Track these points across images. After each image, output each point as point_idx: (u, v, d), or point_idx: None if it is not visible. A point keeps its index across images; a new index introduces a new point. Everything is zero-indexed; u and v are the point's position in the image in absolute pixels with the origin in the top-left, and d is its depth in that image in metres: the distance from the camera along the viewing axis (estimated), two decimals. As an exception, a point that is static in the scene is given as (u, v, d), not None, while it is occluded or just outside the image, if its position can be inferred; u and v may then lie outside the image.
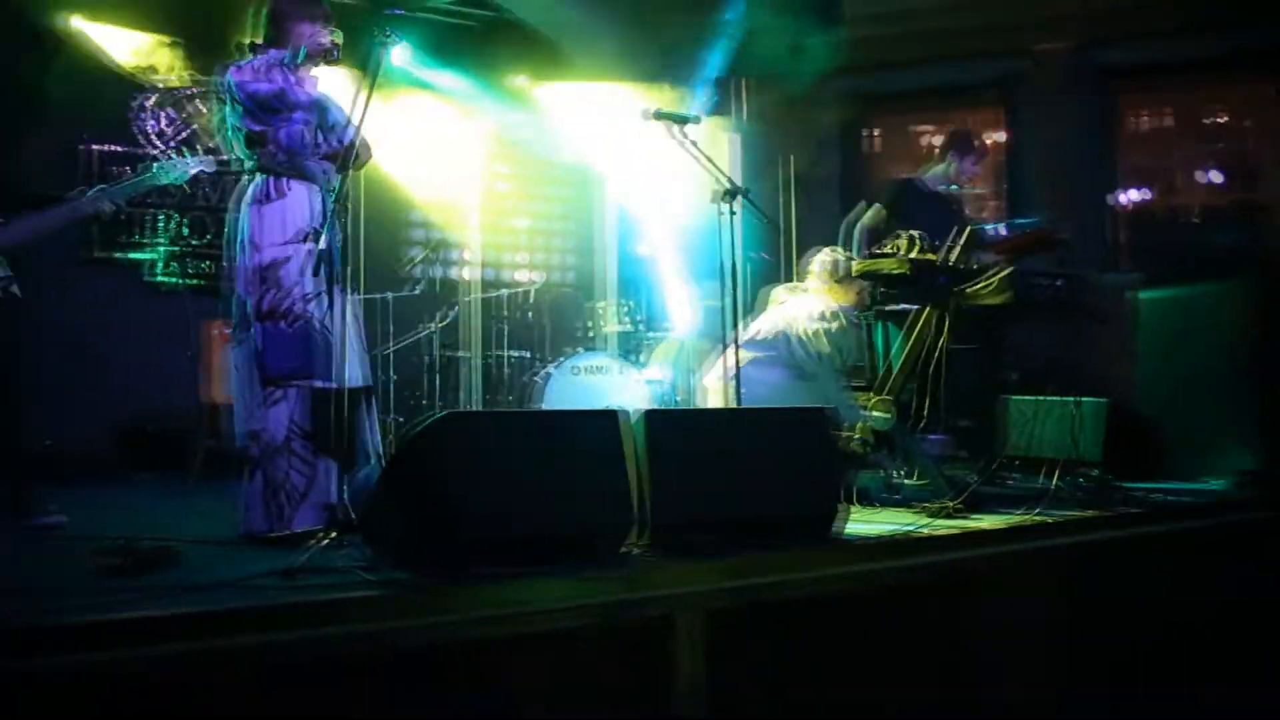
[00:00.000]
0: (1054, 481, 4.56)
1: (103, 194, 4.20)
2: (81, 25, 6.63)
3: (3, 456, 4.07)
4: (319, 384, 3.68)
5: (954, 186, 5.90)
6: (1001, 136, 8.42)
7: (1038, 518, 4.09)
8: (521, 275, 8.34)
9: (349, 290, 3.66)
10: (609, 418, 3.15)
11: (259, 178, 3.81)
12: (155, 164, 4.34)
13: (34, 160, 4.35)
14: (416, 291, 7.26)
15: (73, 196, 4.20)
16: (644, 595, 2.93)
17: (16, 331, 4.15)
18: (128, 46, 6.86)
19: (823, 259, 5.34)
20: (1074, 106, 7.88)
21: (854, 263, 5.03)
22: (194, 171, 4.40)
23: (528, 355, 7.35)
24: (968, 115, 8.61)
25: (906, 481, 5.12)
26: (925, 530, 3.79)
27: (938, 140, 6.81)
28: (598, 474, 3.03)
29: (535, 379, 6.90)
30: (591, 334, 7.31)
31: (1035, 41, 7.88)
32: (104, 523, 4.13)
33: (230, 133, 3.84)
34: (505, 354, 7.15)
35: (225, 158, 4.01)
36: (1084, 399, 4.92)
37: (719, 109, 7.74)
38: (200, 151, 4.44)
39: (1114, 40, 7.77)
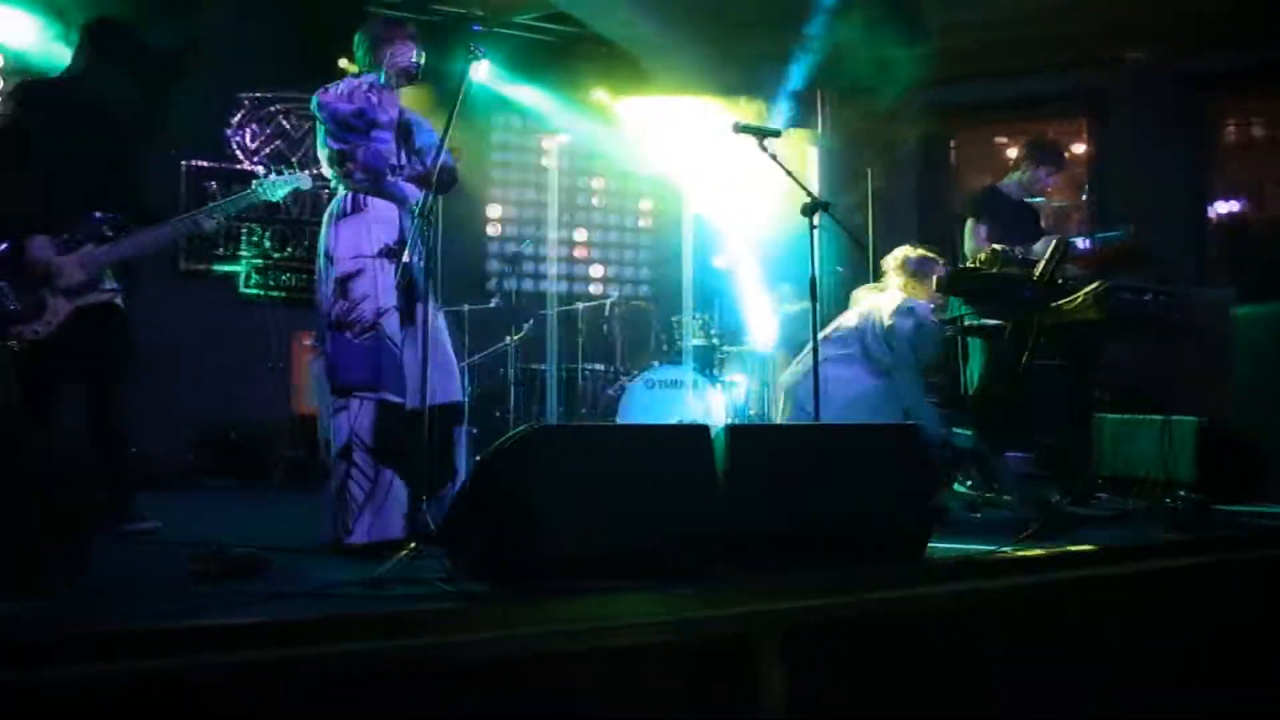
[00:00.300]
0: (1146, 503, 4.43)
1: (208, 211, 4.32)
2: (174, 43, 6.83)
3: (111, 461, 4.17)
4: (385, 397, 3.73)
5: (1033, 198, 5.79)
6: (1087, 148, 8.24)
7: (1130, 540, 3.97)
8: (598, 288, 8.37)
9: (437, 305, 3.71)
10: (696, 433, 3.12)
11: (342, 193, 3.90)
12: (256, 182, 4.41)
13: (136, 175, 4.54)
14: (495, 304, 7.32)
15: (180, 215, 4.35)
16: (725, 612, 2.90)
17: (125, 340, 4.27)
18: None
19: (897, 254, 5.25)
20: (1164, 116, 7.69)
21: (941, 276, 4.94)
22: (293, 189, 4.48)
23: (603, 368, 7.36)
24: (1052, 126, 8.45)
25: (989, 498, 5.03)
26: (1012, 551, 3.70)
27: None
28: (684, 489, 3.00)
29: (611, 392, 6.91)
30: (668, 347, 7.30)
31: (1123, 50, 7.69)
32: (190, 528, 4.23)
33: (319, 149, 3.95)
34: (581, 367, 7.17)
35: (321, 173, 4.10)
36: (1178, 417, 4.78)
37: (800, 122, 7.69)
38: (296, 167, 4.54)
39: (1205, 48, 7.54)
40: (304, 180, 4.47)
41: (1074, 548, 3.80)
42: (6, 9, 6.38)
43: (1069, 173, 8.33)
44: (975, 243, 5.40)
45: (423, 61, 3.94)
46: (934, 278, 5.10)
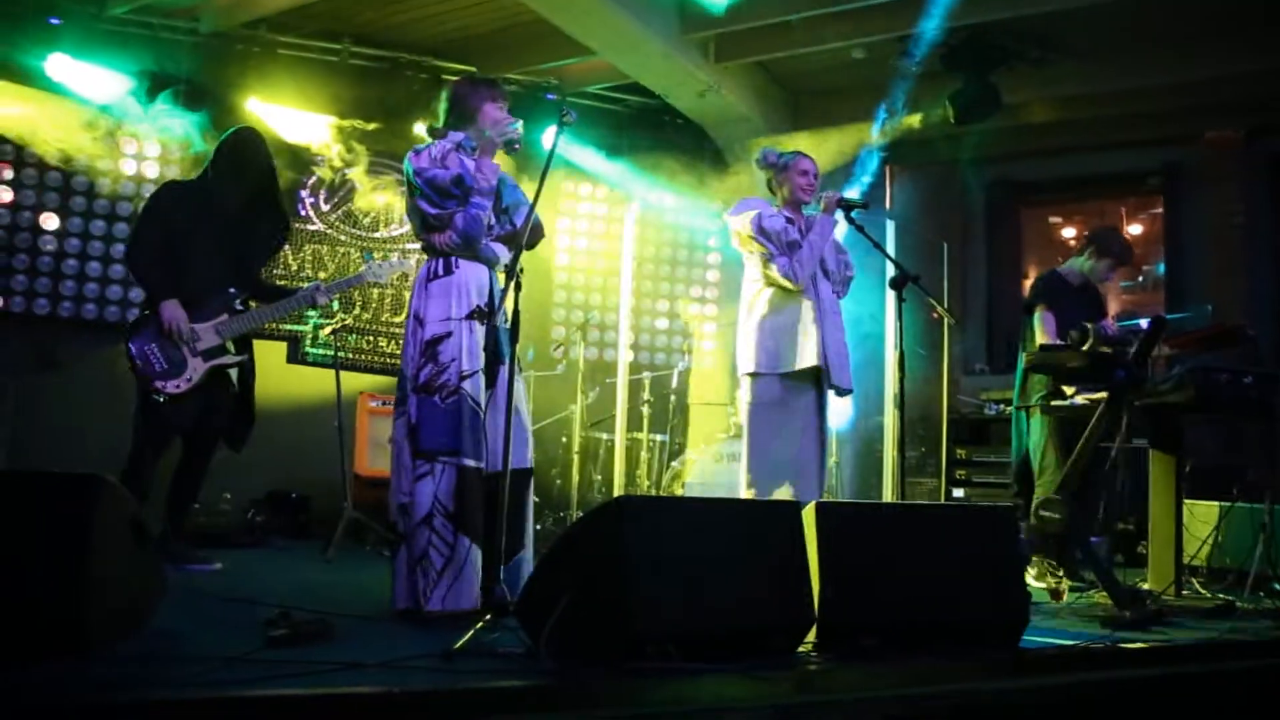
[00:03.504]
0: (1244, 595, 4.21)
1: (320, 289, 4.92)
2: (258, 107, 6.98)
3: (182, 503, 4.81)
4: (467, 462, 3.65)
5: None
6: (1162, 225, 8.10)
7: (1232, 635, 3.77)
8: (662, 358, 8.31)
9: (517, 370, 3.64)
10: (791, 509, 3.01)
11: (432, 256, 3.85)
12: (365, 267, 5.12)
13: (256, 261, 5.16)
14: (559, 370, 7.28)
15: (295, 290, 4.99)
16: (818, 699, 2.76)
17: (245, 405, 4.90)
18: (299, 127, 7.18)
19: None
20: (1241, 195, 7.54)
21: (1026, 354, 4.78)
22: (398, 271, 5.23)
23: (668, 439, 7.26)
24: (1127, 203, 8.35)
25: (1076, 585, 4.83)
26: (1110, 643, 3.51)
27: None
28: (776, 568, 2.89)
29: (676, 464, 6.81)
30: (735, 419, 7.18)
31: (1201, 129, 7.59)
32: (253, 587, 4.20)
33: (409, 214, 3.91)
34: (646, 436, 7.07)
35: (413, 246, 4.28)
36: (1275, 506, 4.57)
37: (870, 195, 7.64)
38: (398, 254, 5.08)
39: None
40: (409, 266, 5.21)
41: (1175, 641, 3.62)
42: (96, 68, 6.66)
43: (1136, 251, 8.23)
44: (1047, 333, 5.25)
45: (522, 133, 3.84)
46: (794, 179, 4.67)
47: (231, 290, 4.81)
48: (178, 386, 4.61)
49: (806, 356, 4.44)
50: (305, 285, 5.00)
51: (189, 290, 4.70)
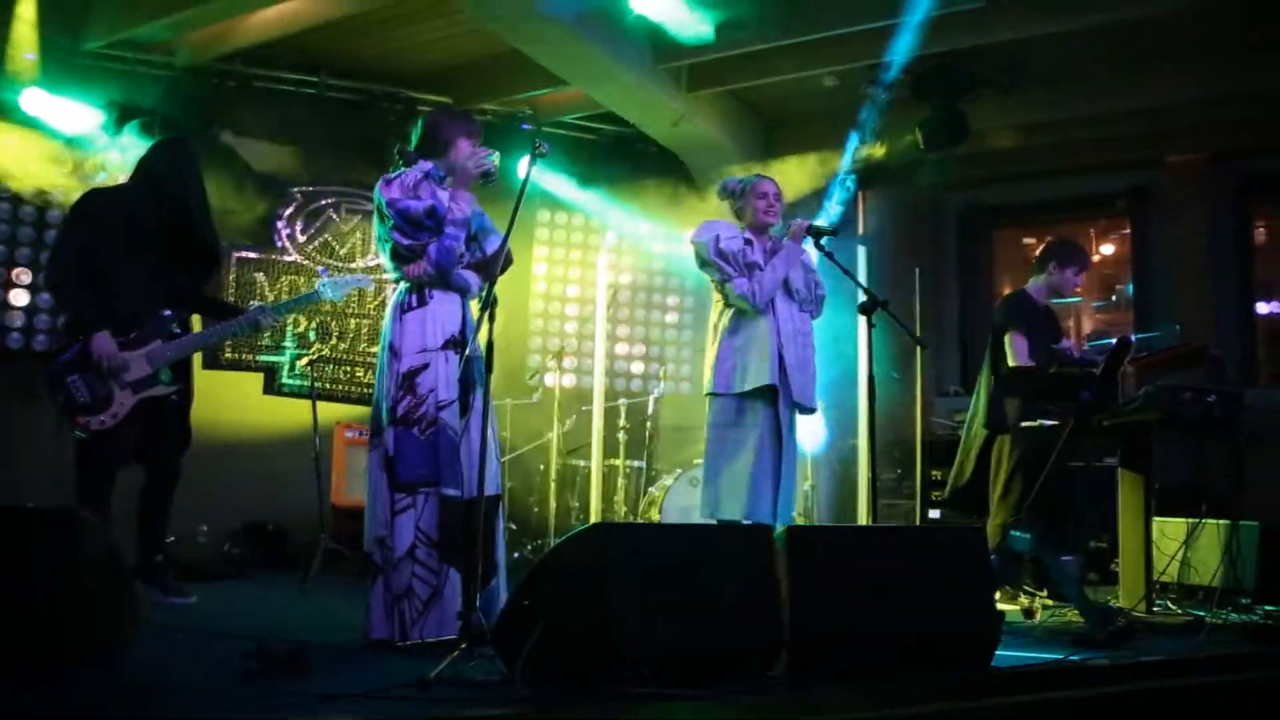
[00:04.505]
0: (1213, 611, 4.28)
1: (265, 311, 4.64)
2: (230, 140, 7.01)
3: (153, 538, 4.50)
4: (448, 491, 3.67)
5: (1060, 299, 5.71)
6: (1129, 248, 8.22)
7: (1201, 651, 3.82)
8: (639, 384, 8.34)
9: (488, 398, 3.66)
10: (758, 534, 3.05)
11: (404, 287, 3.84)
12: (319, 282, 4.78)
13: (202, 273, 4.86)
14: (535, 399, 7.31)
15: (241, 311, 4.71)
16: (790, 721, 2.79)
17: (182, 429, 4.61)
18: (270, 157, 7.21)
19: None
20: (1209, 217, 7.66)
21: (999, 377, 4.84)
22: (354, 289, 4.88)
23: (643, 465, 7.29)
24: (1094, 226, 8.47)
25: (1047, 604, 4.87)
26: (1080, 661, 3.56)
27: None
28: (750, 592, 2.92)
29: (654, 490, 6.83)
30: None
31: (1167, 152, 7.72)
32: (229, 619, 4.21)
33: (379, 244, 3.89)
34: (622, 463, 7.10)
35: (385, 276, 4.17)
36: (1241, 522, 4.65)
37: (840, 221, 7.72)
38: (343, 262, 4.73)
39: (1250, 150, 7.56)
40: (366, 282, 4.86)
41: (1146, 658, 3.66)
42: (65, 101, 6.63)
43: (1100, 273, 8.36)
44: (1018, 356, 5.28)
45: (497, 166, 3.84)
46: (753, 203, 4.64)
47: (166, 313, 4.49)
48: (102, 423, 4.29)
49: (760, 375, 4.40)
50: (251, 307, 4.73)
51: (118, 313, 4.37)
